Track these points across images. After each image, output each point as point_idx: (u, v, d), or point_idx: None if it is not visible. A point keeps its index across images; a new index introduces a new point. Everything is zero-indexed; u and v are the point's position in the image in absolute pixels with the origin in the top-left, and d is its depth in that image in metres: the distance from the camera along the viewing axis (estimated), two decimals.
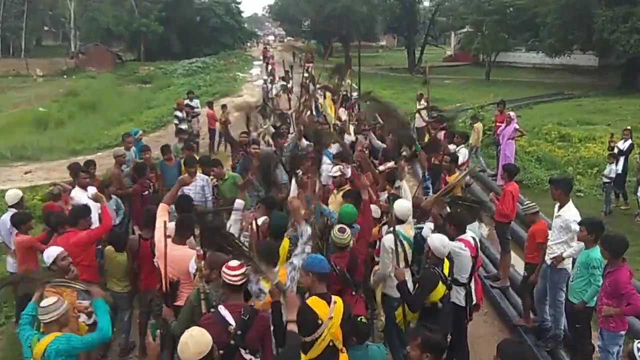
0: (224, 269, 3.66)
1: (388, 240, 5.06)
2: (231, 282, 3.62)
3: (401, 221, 5.25)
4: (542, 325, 6.16)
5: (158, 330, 3.75)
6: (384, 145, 8.36)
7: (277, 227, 4.87)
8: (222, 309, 3.56)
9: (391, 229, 5.05)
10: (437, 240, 4.73)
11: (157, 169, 8.45)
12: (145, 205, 6.51)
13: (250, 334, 3.52)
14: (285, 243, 4.76)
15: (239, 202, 5.02)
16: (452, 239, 5.00)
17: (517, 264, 7.63)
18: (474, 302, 5.29)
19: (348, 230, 4.75)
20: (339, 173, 6.36)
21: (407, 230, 5.36)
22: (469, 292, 5.17)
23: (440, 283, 4.66)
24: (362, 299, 5.04)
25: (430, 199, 5.97)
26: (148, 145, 9.16)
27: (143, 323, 5.87)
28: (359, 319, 4.14)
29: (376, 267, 5.40)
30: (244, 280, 3.67)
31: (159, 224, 4.60)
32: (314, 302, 3.73)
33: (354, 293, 4.68)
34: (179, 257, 4.60)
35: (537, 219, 6.24)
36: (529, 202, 6.41)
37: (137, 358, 5.92)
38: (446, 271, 4.77)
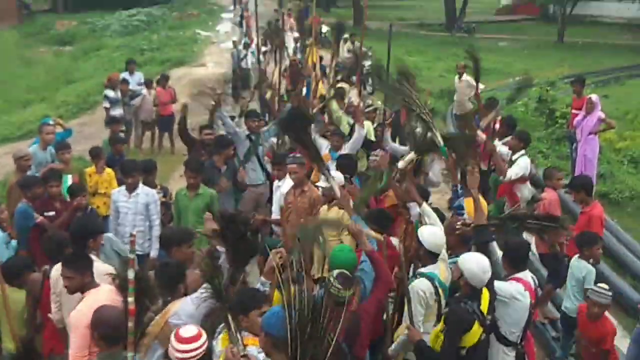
0: (172, 341, 3.66)
1: (422, 285, 5.10)
2: None
3: (432, 256, 5.24)
4: None
5: None
6: (406, 149, 8.18)
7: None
8: None
9: (421, 270, 5.09)
10: (474, 262, 4.74)
11: (82, 178, 8.34)
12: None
13: None
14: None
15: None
16: (503, 278, 5.02)
17: None
18: None
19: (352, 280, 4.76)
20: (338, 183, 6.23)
21: (443, 271, 5.34)
22: (520, 353, 5.19)
23: (477, 324, 4.66)
24: None
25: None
26: (67, 142, 9.00)
27: None
28: None
29: (402, 328, 5.37)
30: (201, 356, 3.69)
31: None
32: None
33: None
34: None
35: (603, 311, 5.89)
36: (604, 286, 5.88)
37: None
38: (484, 306, 4.77)
